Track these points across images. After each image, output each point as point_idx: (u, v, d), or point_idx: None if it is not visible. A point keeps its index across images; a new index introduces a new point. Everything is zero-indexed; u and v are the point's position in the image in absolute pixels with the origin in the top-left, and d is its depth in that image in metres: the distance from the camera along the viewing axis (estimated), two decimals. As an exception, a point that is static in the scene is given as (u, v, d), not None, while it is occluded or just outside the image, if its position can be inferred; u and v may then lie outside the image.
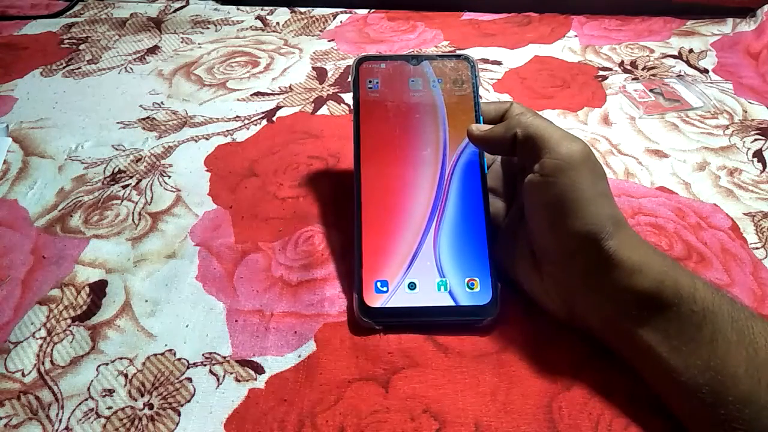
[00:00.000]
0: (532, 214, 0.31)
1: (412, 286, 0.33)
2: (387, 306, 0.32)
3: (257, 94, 0.55)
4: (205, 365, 0.31)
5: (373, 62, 0.37)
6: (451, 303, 0.32)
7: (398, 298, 0.32)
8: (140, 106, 0.54)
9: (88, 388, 0.31)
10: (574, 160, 0.28)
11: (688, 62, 0.59)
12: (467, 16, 0.70)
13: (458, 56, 0.37)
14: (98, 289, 0.36)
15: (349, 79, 0.37)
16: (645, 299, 0.27)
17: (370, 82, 0.37)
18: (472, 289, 0.33)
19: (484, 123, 0.35)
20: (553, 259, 0.30)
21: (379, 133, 0.36)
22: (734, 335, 0.25)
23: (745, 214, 0.41)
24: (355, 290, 0.33)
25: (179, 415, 0.29)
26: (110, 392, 0.30)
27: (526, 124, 0.31)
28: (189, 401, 0.30)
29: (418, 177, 0.35)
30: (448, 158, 0.35)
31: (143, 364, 0.32)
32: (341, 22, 0.69)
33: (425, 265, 0.33)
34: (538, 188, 0.29)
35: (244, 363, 0.31)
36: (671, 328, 0.26)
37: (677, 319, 0.26)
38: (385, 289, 0.32)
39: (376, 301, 0.32)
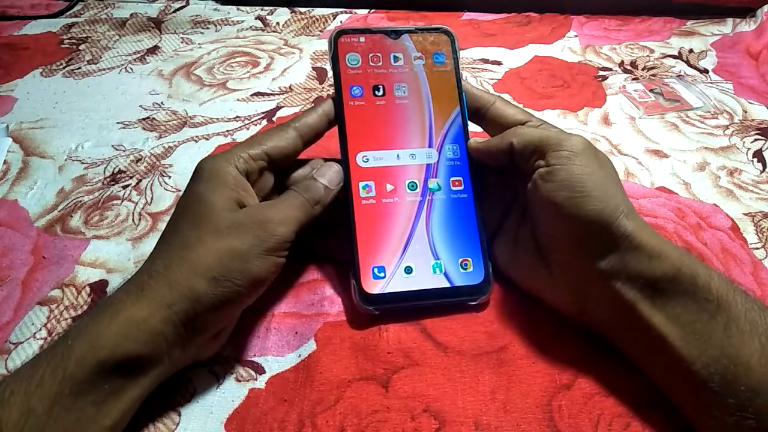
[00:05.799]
0: (541, 205, 0.30)
1: (408, 270, 0.33)
2: (385, 291, 0.32)
3: (257, 94, 0.55)
4: (205, 365, 0.31)
5: (351, 36, 0.36)
6: (447, 285, 0.32)
7: (396, 282, 0.32)
8: (140, 106, 0.54)
9: (89, 388, 0.30)
10: (578, 148, 0.30)
11: (688, 62, 0.59)
12: (467, 16, 0.70)
13: (437, 29, 0.37)
14: (99, 290, 0.36)
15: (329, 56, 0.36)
16: (662, 284, 0.27)
17: (350, 57, 0.36)
18: (466, 269, 0.33)
19: (466, 101, 0.36)
20: (564, 248, 0.30)
21: (362, 111, 0.35)
22: (747, 325, 0.25)
23: (745, 214, 0.41)
24: (353, 277, 0.33)
25: (179, 415, 0.29)
26: (110, 392, 0.30)
27: (521, 133, 0.32)
28: (189, 401, 0.30)
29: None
30: (435, 136, 0.35)
31: (143, 364, 0.32)
32: (341, 22, 0.70)
33: (420, 249, 0.33)
34: (546, 178, 0.30)
35: (244, 363, 0.31)
36: (685, 315, 0.26)
37: (692, 306, 0.26)
38: (382, 274, 0.32)
39: (374, 287, 0.32)
